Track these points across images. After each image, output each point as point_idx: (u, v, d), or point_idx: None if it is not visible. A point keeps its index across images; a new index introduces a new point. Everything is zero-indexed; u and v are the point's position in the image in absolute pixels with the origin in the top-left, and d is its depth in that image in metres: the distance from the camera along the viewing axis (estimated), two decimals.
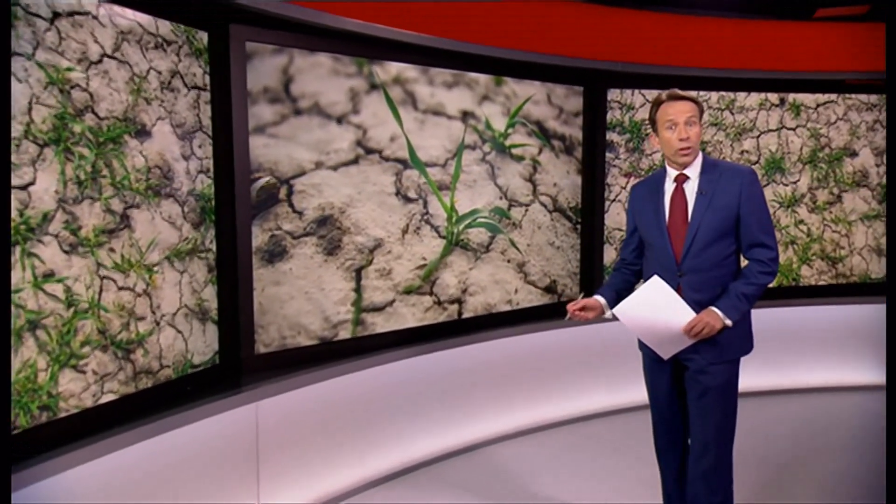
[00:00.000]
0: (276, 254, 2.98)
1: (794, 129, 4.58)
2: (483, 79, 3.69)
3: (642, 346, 2.71)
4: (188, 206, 2.62)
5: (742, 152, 4.51)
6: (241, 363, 2.92)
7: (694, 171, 2.58)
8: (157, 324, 2.51)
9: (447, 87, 3.54)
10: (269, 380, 2.88)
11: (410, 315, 3.47)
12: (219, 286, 2.81)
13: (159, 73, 2.48)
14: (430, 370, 3.64)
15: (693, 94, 2.59)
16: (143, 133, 2.42)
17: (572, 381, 4.33)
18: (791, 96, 4.57)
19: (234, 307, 2.87)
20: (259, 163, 2.91)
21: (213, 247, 2.78)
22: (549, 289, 4.12)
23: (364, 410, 3.39)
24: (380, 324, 3.35)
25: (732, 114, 4.49)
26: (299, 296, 3.06)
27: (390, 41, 3.25)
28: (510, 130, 3.82)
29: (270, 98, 2.93)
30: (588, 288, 4.27)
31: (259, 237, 2.92)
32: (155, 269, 2.49)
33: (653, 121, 2.62)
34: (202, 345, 2.74)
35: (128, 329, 2.39)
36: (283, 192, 2.98)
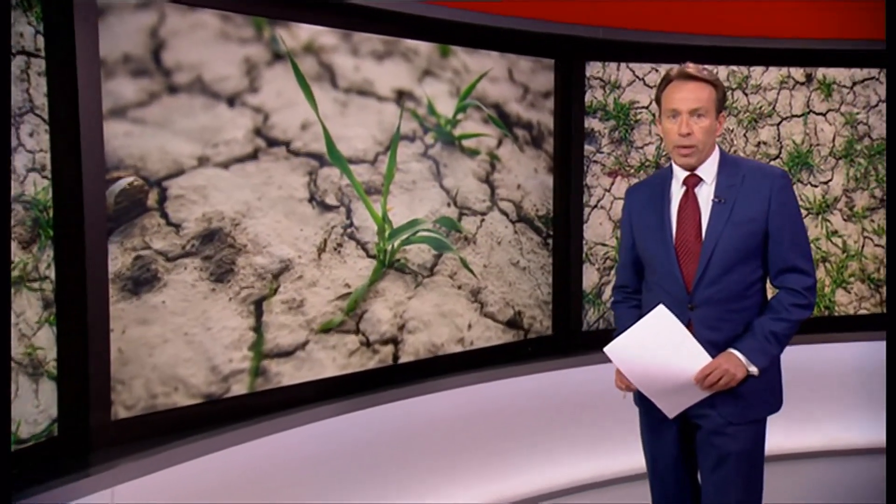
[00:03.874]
0: (142, 282, 2.87)
1: (824, 115, 4.59)
2: (424, 48, 3.66)
3: (640, 398, 2.71)
4: (14, 218, 2.49)
5: (758, 144, 4.52)
6: (91, 434, 2.78)
7: (709, 172, 2.61)
8: None
9: (377, 58, 3.51)
10: (132, 455, 2.75)
11: (329, 361, 3.41)
12: (59, 328, 2.67)
13: None
14: (355, 434, 3.59)
15: (710, 72, 2.59)
16: None
17: (545, 445, 4.28)
18: (820, 72, 4.58)
19: (81, 356, 2.73)
20: (118, 158, 2.80)
21: (52, 273, 2.64)
22: (513, 323, 4.09)
23: (265, 490, 3.29)
24: (288, 373, 3.28)
25: (746, 94, 4.50)
26: (176, 338, 2.96)
27: None
28: (460, 116, 3.81)
29: (134, 69, 2.82)
30: (564, 322, 4.25)
31: (119, 259, 2.81)
32: None
33: (658, 103, 2.66)
34: (33, 410, 2.59)
35: None
36: (152, 198, 2.89)
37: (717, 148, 2.63)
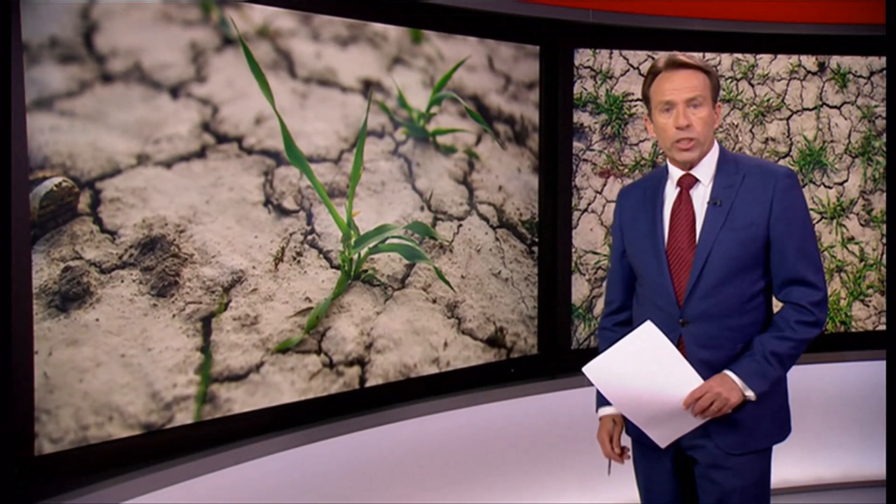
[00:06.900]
0: (72, 297, 2.83)
1: (838, 108, 4.60)
2: (394, 33, 3.65)
3: (632, 427, 2.72)
4: None
5: (766, 140, 4.52)
6: (14, 471, 2.72)
7: (706, 171, 2.60)
8: None
9: (341, 44, 3.49)
10: (58, 496, 2.72)
11: (287, 385, 3.38)
12: None
13: None
14: (317, 467, 3.58)
15: (700, 58, 2.61)
16: None
17: (530, 475, 4.28)
18: (834, 60, 4.59)
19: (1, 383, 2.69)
20: (44, 156, 2.76)
21: None
22: (494, 341, 4.08)
23: None
24: (240, 400, 3.25)
25: (752, 86, 4.50)
26: (111, 361, 2.91)
27: None
28: (434, 109, 3.80)
29: (62, 55, 2.78)
30: (551, 339, 4.24)
31: (45, 271, 2.77)
32: None
33: (646, 98, 2.64)
34: None
35: None
36: (83, 202, 2.84)
37: (716, 144, 2.62)
